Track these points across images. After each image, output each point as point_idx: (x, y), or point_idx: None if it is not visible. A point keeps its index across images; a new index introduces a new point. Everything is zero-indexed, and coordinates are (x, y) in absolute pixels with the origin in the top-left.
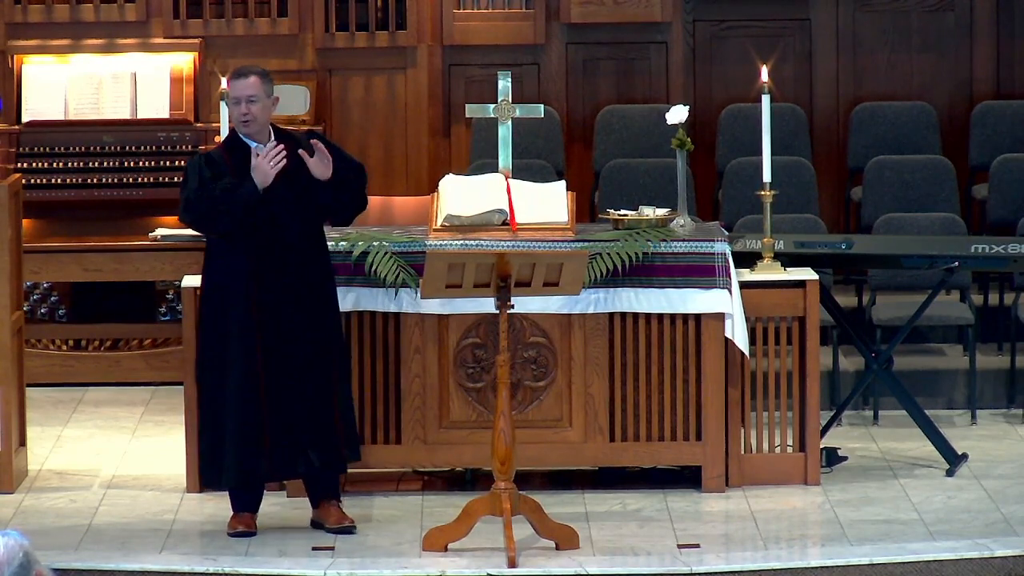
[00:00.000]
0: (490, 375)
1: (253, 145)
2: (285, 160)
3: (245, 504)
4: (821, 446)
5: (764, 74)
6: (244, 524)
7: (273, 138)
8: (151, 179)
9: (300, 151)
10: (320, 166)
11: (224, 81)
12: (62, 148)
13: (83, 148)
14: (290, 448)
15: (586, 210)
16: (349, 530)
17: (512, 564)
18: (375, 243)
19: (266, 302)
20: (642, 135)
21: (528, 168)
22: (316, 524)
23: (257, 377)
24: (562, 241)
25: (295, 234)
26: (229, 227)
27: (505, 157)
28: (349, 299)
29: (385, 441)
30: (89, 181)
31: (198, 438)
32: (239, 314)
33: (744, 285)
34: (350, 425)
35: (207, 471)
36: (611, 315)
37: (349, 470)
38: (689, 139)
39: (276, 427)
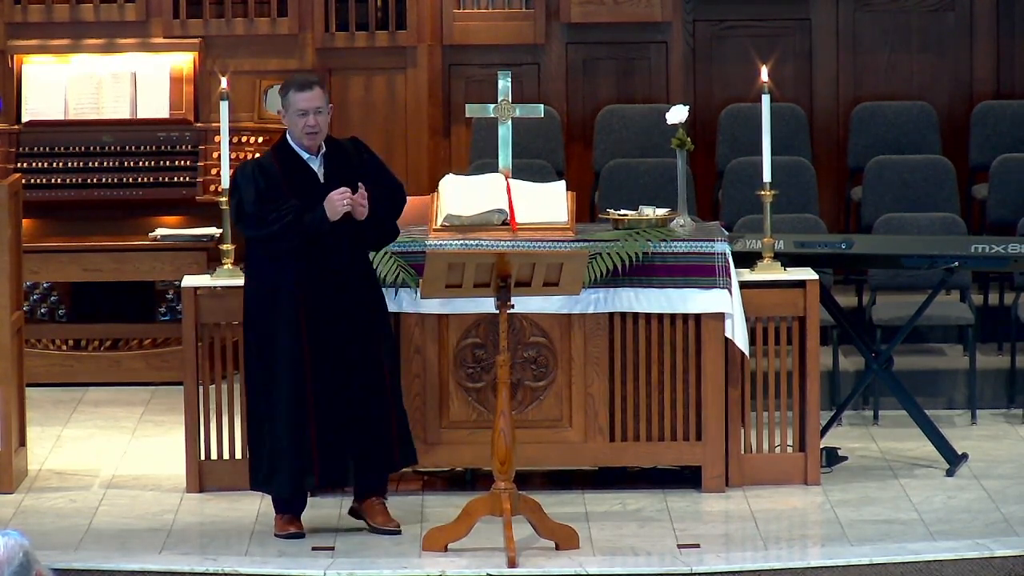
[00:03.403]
0: (490, 375)
1: (314, 166)
2: (361, 207)
3: (292, 506)
4: (821, 446)
5: (764, 74)
6: (294, 526)
7: (325, 148)
8: (151, 179)
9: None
10: (359, 210)
11: (224, 81)
12: (62, 148)
13: (83, 148)
14: (339, 460)
15: (586, 210)
16: (394, 532)
17: (512, 564)
18: None
19: (315, 313)
20: (642, 135)
21: (528, 168)
22: (357, 515)
23: (305, 388)
24: (562, 241)
25: (344, 249)
26: (289, 248)
27: (505, 157)
28: None
29: None
30: (89, 181)
31: (248, 440)
32: (287, 323)
33: (744, 285)
34: (404, 430)
35: (259, 474)
36: (611, 315)
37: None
38: (689, 139)
39: (324, 439)
